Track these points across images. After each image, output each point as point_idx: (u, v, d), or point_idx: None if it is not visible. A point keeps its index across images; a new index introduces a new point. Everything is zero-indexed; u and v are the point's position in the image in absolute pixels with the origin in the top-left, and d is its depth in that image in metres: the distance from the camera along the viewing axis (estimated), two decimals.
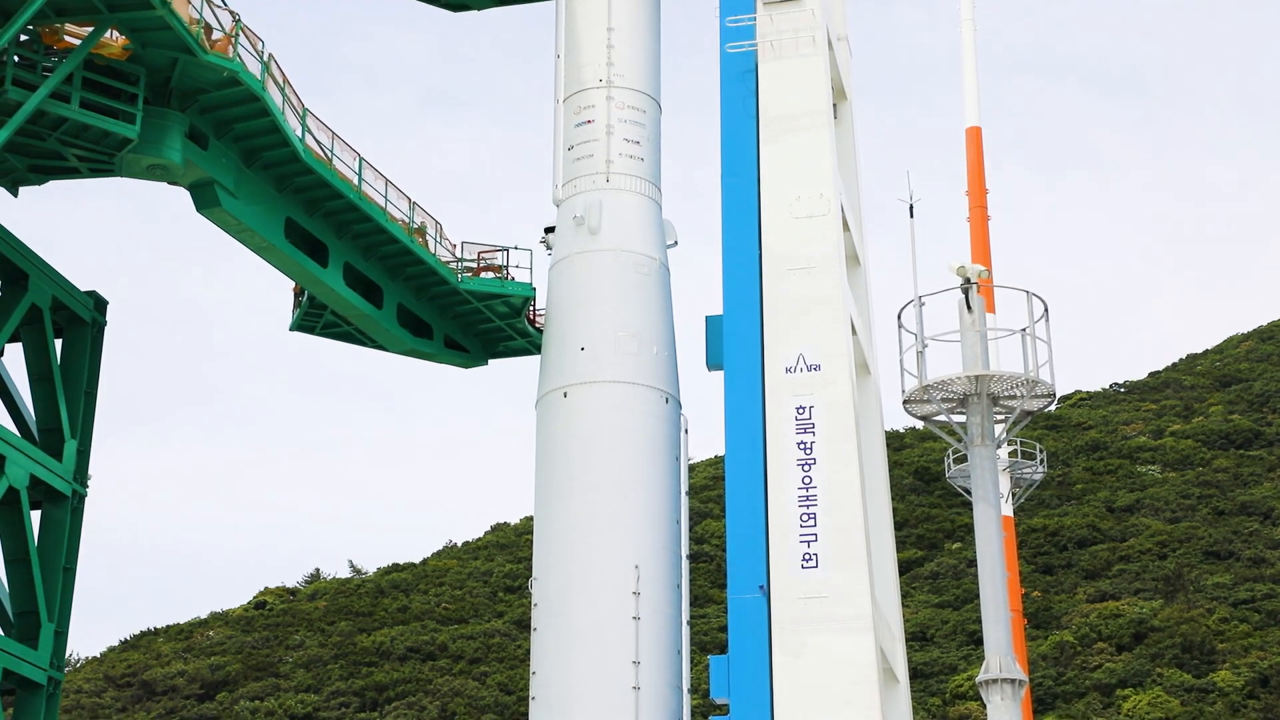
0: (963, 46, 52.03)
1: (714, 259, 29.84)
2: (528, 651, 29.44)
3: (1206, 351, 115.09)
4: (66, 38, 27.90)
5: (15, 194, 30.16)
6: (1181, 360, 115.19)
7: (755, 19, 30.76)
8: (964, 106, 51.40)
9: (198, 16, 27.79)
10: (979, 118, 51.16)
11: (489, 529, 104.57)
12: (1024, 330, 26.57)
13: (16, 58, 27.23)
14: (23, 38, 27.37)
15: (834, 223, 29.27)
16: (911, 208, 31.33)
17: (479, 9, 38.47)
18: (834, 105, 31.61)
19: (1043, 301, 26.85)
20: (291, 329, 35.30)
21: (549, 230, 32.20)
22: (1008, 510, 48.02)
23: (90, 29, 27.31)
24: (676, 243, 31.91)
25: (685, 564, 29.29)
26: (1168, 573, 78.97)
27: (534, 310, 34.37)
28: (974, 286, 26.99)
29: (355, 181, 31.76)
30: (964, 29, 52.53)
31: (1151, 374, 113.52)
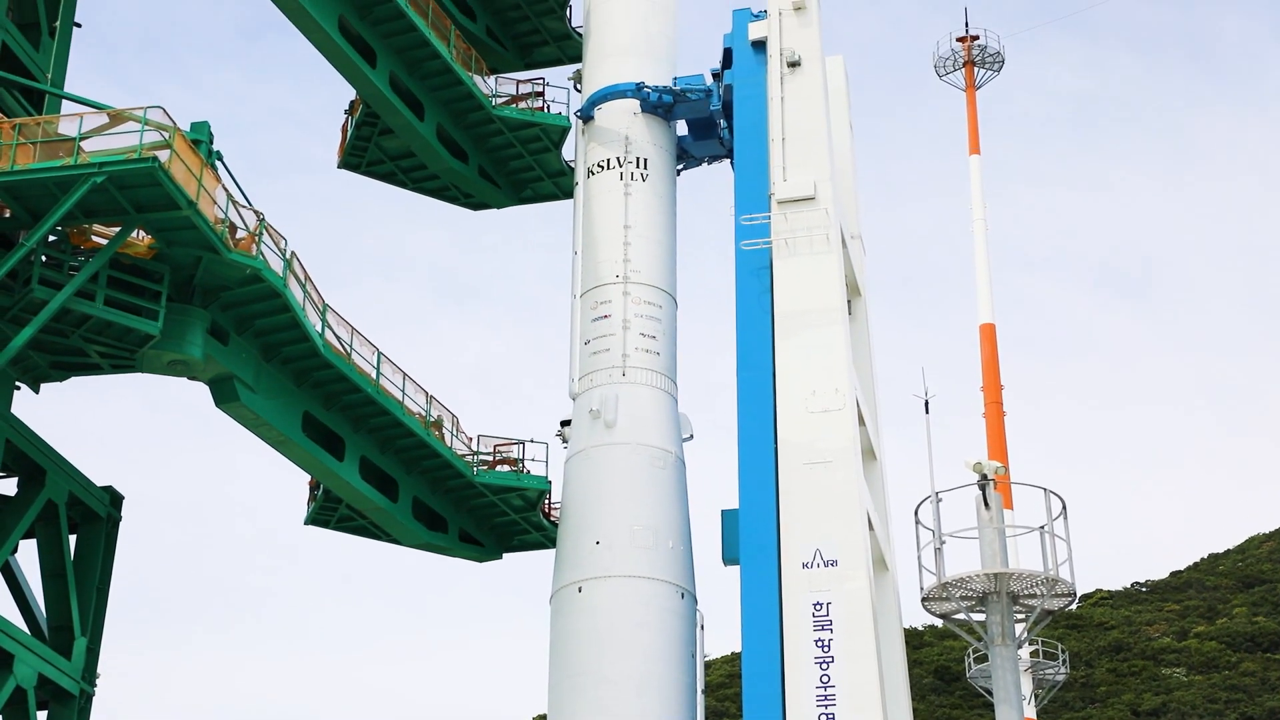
0: (975, 245, 52.91)
1: (730, 453, 29.89)
2: None
3: (1228, 551, 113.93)
4: (94, 237, 28.35)
5: (37, 390, 30.35)
6: (1203, 560, 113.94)
7: (769, 217, 31.33)
8: (977, 303, 52.01)
9: (223, 216, 28.29)
10: (992, 314, 51.73)
11: None
12: (1042, 528, 26.38)
13: (44, 257, 27.64)
14: (51, 238, 27.82)
15: (849, 417, 29.33)
16: (927, 403, 31.42)
17: (498, 207, 39.36)
18: (848, 301, 31.96)
19: (1060, 499, 26.70)
20: (306, 523, 35.24)
21: (565, 423, 32.33)
22: (1030, 712, 47.12)
23: (117, 229, 27.79)
24: (692, 436, 31.98)
25: None
26: None
27: (549, 504, 34.30)
28: (991, 483, 26.89)
29: (374, 375, 31.99)
30: (976, 228, 53.55)
31: (1173, 573, 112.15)
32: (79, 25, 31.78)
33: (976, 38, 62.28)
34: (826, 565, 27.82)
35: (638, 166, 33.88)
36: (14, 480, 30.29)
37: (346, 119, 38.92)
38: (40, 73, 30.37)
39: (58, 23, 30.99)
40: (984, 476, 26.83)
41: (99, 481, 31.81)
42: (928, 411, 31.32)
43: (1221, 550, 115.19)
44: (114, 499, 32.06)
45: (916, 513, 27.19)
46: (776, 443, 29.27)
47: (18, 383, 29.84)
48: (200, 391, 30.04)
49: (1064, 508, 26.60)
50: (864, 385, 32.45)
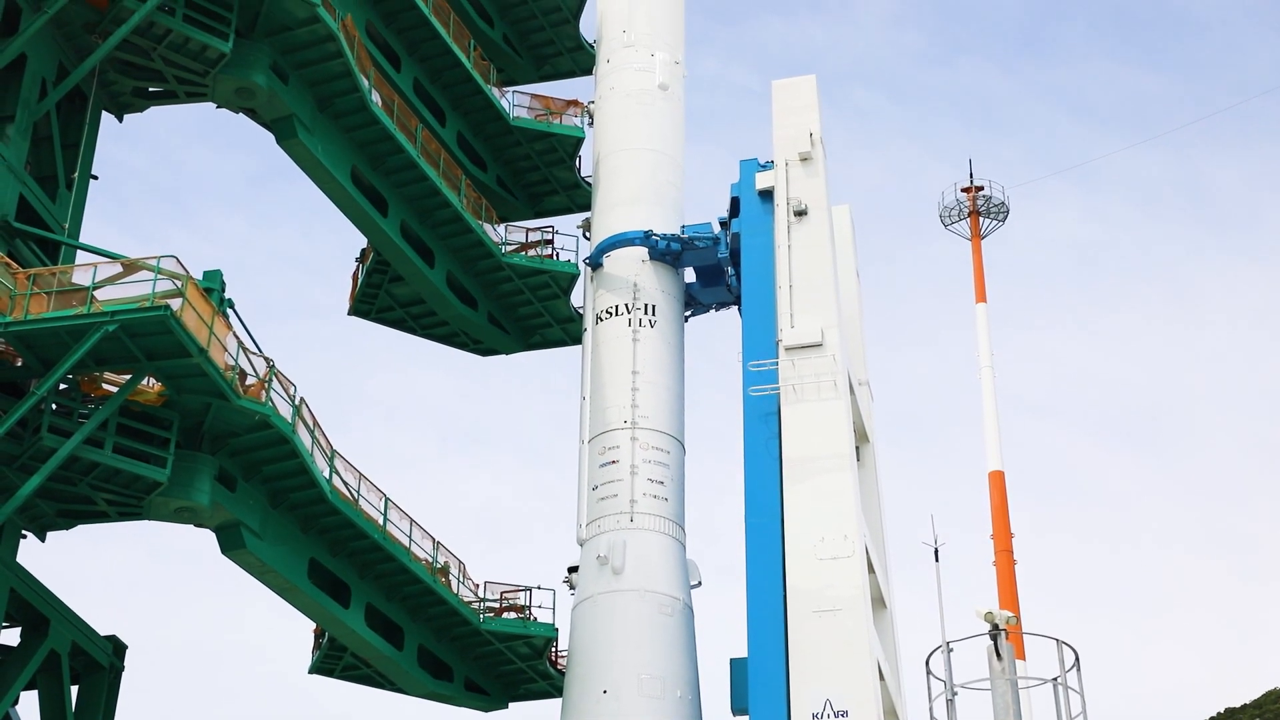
0: (983, 392, 52.92)
1: (738, 600, 29.60)
2: None
3: (1245, 706, 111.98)
4: (104, 385, 28.43)
5: (43, 539, 30.20)
6: (1220, 715, 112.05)
7: (777, 363, 31.44)
8: (985, 451, 51.85)
9: (233, 363, 28.42)
10: (1001, 462, 51.53)
11: None
12: (1055, 679, 25.98)
13: (54, 405, 27.69)
14: (61, 386, 27.90)
15: (859, 564, 29.11)
16: (937, 551, 31.16)
17: (507, 353, 39.60)
18: (857, 447, 31.90)
19: (1074, 650, 26.32)
20: (310, 672, 34.84)
21: (572, 570, 32.10)
22: None
23: (127, 376, 27.89)
24: (700, 583, 31.73)
25: None
26: None
27: (556, 651, 33.92)
28: (1003, 633, 26.53)
29: (380, 522, 31.87)
30: (983, 375, 53.58)
31: None
32: (95, 177, 32.29)
33: (981, 188, 62.87)
34: (837, 716, 27.39)
35: (646, 313, 34.13)
36: (16, 629, 30.01)
37: (358, 266, 39.34)
38: (56, 223, 30.75)
39: (75, 174, 31.50)
40: (995, 626, 26.45)
41: (102, 630, 31.50)
42: (938, 559, 31.04)
43: (1238, 705, 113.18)
44: (117, 648, 31.71)
45: (928, 663, 26.80)
46: (785, 590, 29.02)
47: (24, 531, 29.72)
48: (206, 538, 29.94)
49: (1077, 659, 26.18)
50: (873, 532, 32.26)
